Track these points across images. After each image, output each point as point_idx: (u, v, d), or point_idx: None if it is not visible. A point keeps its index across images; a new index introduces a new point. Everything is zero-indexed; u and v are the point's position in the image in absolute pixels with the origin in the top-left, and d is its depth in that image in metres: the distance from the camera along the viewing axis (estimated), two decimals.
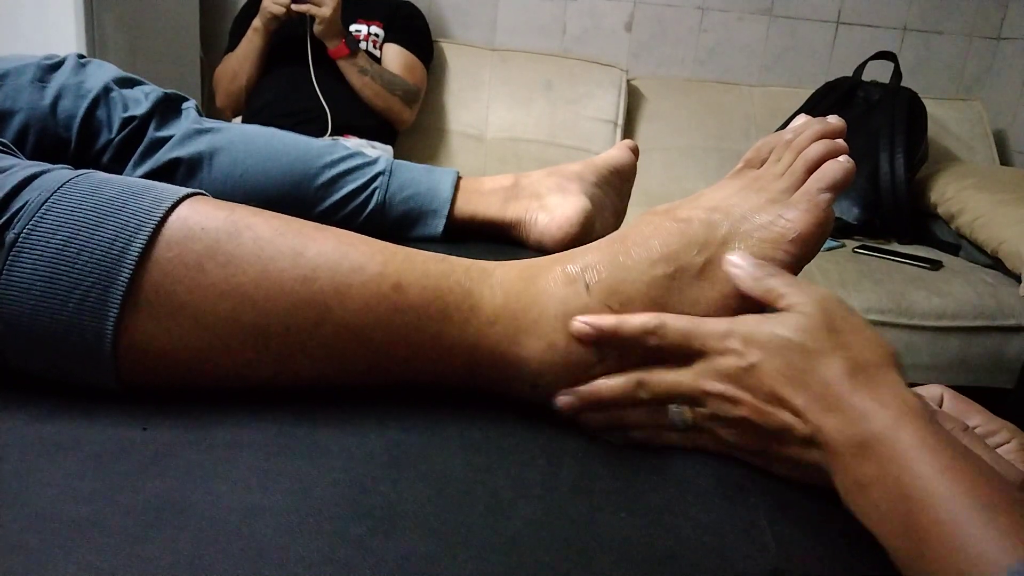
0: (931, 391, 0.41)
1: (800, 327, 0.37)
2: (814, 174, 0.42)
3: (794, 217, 0.41)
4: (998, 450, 0.40)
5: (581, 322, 0.40)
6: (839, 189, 0.41)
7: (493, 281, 0.43)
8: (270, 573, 0.30)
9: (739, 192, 0.44)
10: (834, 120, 0.45)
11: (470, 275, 0.43)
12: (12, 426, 0.38)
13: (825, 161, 0.42)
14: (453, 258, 0.45)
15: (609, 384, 0.41)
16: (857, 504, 0.34)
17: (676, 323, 0.40)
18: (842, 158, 0.42)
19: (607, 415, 0.42)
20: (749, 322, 0.38)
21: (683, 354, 0.40)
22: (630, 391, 0.41)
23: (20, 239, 0.37)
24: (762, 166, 0.46)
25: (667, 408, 0.40)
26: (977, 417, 0.41)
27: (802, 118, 0.47)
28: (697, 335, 0.39)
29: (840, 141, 0.43)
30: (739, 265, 0.40)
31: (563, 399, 0.42)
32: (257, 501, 0.34)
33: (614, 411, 0.41)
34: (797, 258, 0.41)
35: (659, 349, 0.40)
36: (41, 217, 0.38)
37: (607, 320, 0.40)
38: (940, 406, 0.43)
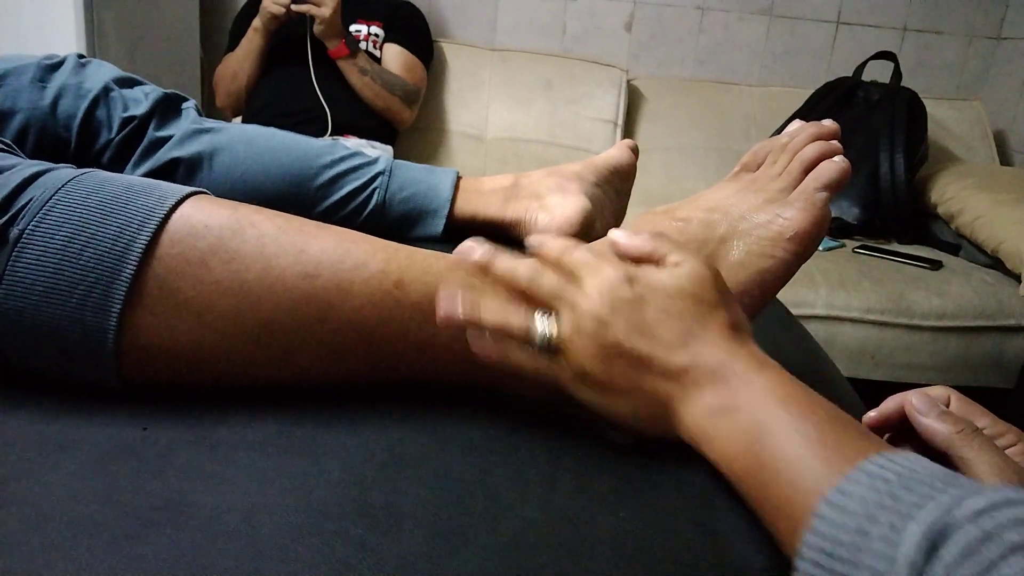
0: (937, 392, 0.41)
1: (692, 278, 0.38)
2: (810, 174, 0.43)
3: (792, 216, 0.41)
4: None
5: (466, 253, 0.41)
6: (835, 188, 0.42)
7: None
8: (270, 573, 0.30)
9: (737, 193, 0.44)
10: (828, 123, 0.46)
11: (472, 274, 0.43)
12: (12, 426, 0.38)
13: (821, 161, 0.43)
14: (454, 257, 0.45)
15: (509, 264, 0.40)
16: (706, 433, 0.35)
17: (572, 253, 0.39)
18: (837, 158, 0.43)
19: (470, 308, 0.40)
20: (648, 268, 0.39)
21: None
22: (528, 275, 0.40)
23: (24, 236, 0.37)
24: (758, 169, 0.46)
25: (533, 318, 0.39)
26: (983, 420, 0.41)
27: (797, 123, 0.48)
28: (591, 263, 0.39)
29: (835, 142, 0.44)
30: (621, 235, 0.40)
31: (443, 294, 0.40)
32: (257, 501, 0.34)
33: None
34: (796, 256, 0.41)
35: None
36: (45, 214, 0.38)
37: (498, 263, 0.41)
38: (947, 407, 0.43)
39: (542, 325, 0.38)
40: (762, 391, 0.34)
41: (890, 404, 0.41)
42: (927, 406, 0.39)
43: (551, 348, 0.38)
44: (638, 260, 0.39)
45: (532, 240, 0.42)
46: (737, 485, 0.34)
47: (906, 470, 0.28)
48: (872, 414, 0.41)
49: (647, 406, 0.38)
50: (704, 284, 0.38)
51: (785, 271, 0.42)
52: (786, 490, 0.31)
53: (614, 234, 0.40)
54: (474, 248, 0.41)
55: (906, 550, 0.25)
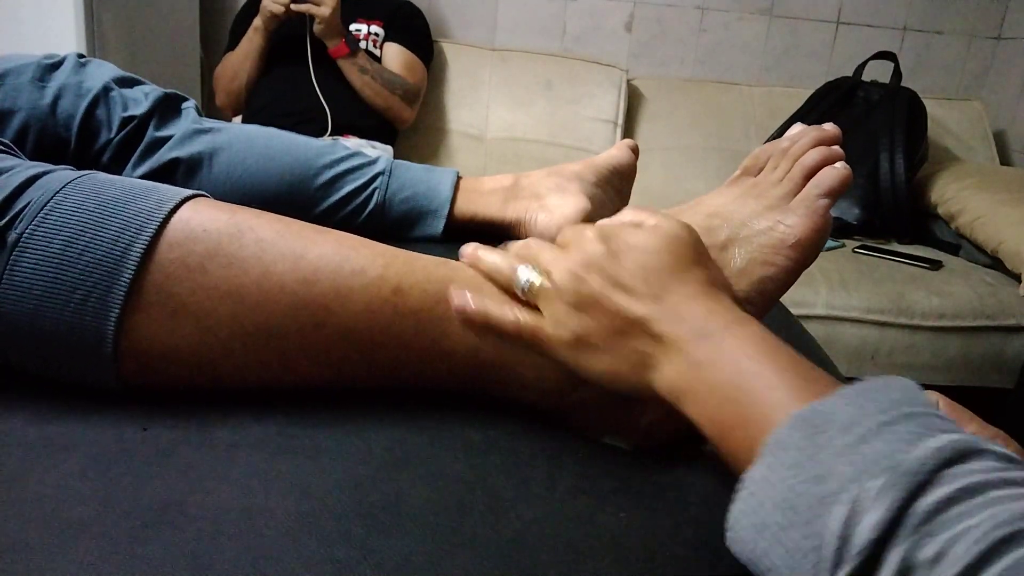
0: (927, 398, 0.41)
1: (670, 236, 0.38)
2: (812, 180, 0.42)
3: (793, 223, 0.41)
4: None
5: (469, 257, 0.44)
6: (836, 195, 0.42)
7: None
8: (270, 573, 0.30)
9: (738, 198, 0.44)
10: (830, 127, 0.45)
11: (471, 280, 0.43)
12: (12, 426, 0.38)
13: (822, 167, 0.43)
14: (454, 263, 0.45)
15: (489, 256, 0.43)
16: (686, 388, 0.35)
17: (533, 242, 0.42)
18: (839, 164, 0.43)
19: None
20: (627, 228, 0.40)
21: None
22: (518, 245, 0.42)
23: (22, 240, 0.37)
24: (759, 174, 0.46)
25: (517, 267, 0.41)
26: (972, 425, 0.41)
27: (798, 126, 0.47)
28: (574, 231, 0.41)
29: (836, 148, 0.44)
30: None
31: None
32: (257, 501, 0.34)
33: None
34: (797, 263, 0.41)
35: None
36: (43, 218, 0.38)
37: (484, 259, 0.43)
38: None
39: (525, 272, 0.40)
40: (742, 345, 0.34)
41: None
42: None
43: (532, 294, 0.40)
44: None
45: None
46: (718, 443, 0.34)
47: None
48: None
49: (626, 361, 0.37)
50: (681, 243, 0.38)
51: (786, 278, 0.42)
52: None
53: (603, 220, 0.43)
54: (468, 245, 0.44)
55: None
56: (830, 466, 0.27)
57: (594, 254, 0.38)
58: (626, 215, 0.42)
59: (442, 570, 0.31)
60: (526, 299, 0.40)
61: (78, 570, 0.29)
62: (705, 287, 0.37)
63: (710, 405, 0.34)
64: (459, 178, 0.77)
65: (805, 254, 0.41)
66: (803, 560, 0.26)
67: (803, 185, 0.43)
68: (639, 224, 0.40)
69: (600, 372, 0.38)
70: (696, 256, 0.38)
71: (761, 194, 0.43)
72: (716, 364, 0.34)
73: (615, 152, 0.79)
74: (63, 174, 0.40)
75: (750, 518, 0.29)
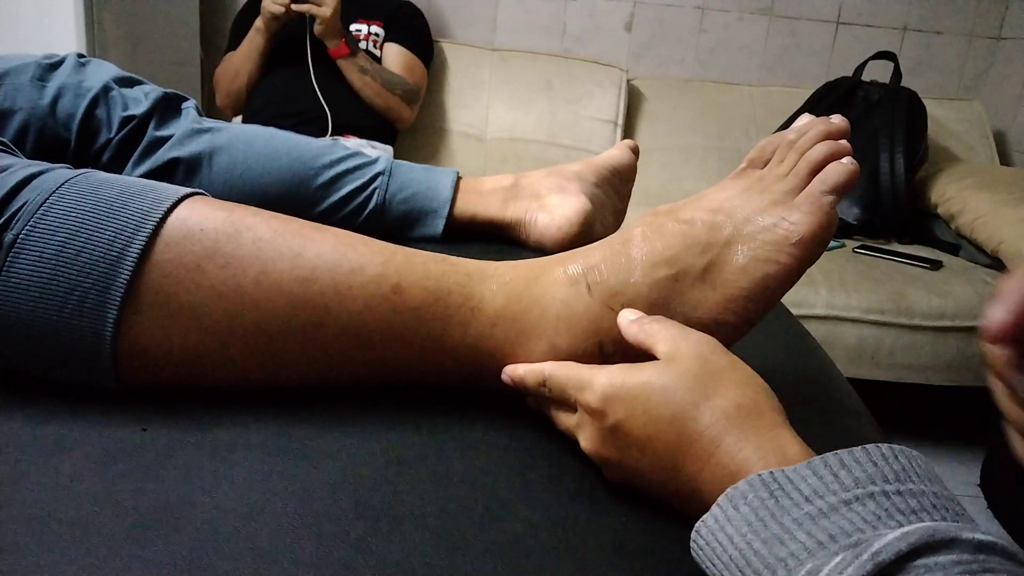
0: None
1: (671, 376, 0.35)
2: (817, 176, 0.41)
3: (798, 220, 0.40)
4: None
5: (507, 375, 0.43)
6: (843, 191, 0.40)
7: (494, 283, 0.43)
8: (270, 574, 0.30)
9: (742, 193, 0.43)
10: (838, 120, 0.44)
11: (471, 276, 0.43)
12: (11, 426, 0.38)
13: (829, 163, 0.41)
14: (453, 259, 0.45)
15: (522, 372, 0.42)
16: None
17: (557, 374, 0.40)
18: (845, 160, 0.41)
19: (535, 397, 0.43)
20: (616, 376, 0.37)
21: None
22: (537, 387, 0.41)
23: (19, 240, 0.37)
24: (765, 166, 0.45)
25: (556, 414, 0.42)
26: None
27: (805, 117, 0.46)
28: (570, 389, 0.39)
29: (844, 142, 0.42)
30: (627, 316, 0.41)
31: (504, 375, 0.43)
32: (257, 502, 0.34)
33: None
34: (800, 261, 0.40)
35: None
36: (40, 218, 0.38)
37: (517, 371, 0.42)
38: None
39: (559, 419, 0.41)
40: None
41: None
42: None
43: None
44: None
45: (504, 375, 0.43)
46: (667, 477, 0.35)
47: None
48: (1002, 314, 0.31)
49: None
50: (678, 380, 0.35)
51: (789, 276, 0.40)
52: None
53: (624, 315, 0.41)
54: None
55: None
56: (789, 530, 0.27)
57: (602, 431, 0.37)
58: (641, 319, 0.40)
59: (442, 571, 0.31)
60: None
61: (78, 570, 0.29)
62: (718, 425, 0.34)
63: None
64: (459, 178, 0.77)
65: (809, 252, 0.40)
66: None
67: (809, 180, 0.41)
68: (652, 347, 0.38)
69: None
70: (708, 388, 0.35)
71: (766, 189, 0.42)
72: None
73: (615, 152, 0.79)
74: (60, 173, 0.40)
75: (704, 567, 0.29)
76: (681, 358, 0.36)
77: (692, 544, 0.31)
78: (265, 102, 1.65)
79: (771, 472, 0.30)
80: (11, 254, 0.37)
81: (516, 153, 1.95)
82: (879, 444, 0.29)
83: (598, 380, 0.37)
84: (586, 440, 0.38)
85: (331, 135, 1.61)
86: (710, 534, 0.30)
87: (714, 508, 0.30)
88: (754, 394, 0.35)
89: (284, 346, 0.40)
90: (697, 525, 0.31)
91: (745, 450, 0.32)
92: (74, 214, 0.38)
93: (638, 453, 0.35)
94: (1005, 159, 2.07)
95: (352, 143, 1.62)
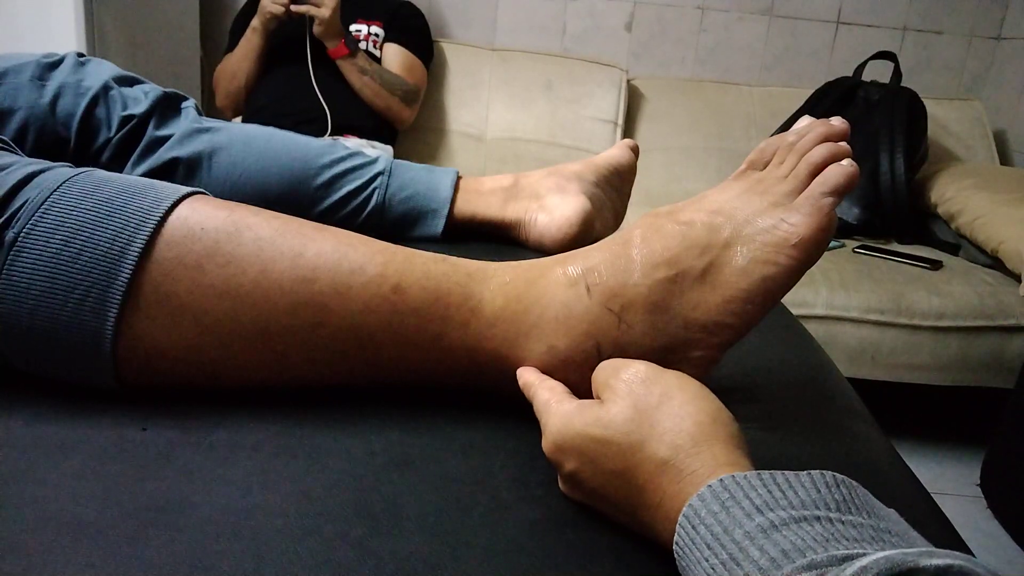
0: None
1: (609, 423, 0.35)
2: (817, 178, 0.41)
3: (797, 222, 0.40)
4: None
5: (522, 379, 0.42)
6: (842, 193, 0.40)
7: (493, 283, 0.43)
8: (270, 574, 0.30)
9: (742, 195, 0.43)
10: (837, 122, 0.44)
11: (471, 276, 0.43)
12: (12, 426, 0.38)
13: (828, 165, 0.42)
14: (453, 259, 0.45)
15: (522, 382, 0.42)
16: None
17: (535, 401, 0.40)
18: (845, 162, 0.41)
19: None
20: (565, 423, 0.36)
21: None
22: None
23: (20, 238, 0.37)
24: (765, 168, 0.45)
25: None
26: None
27: (805, 119, 0.46)
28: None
29: (843, 144, 0.43)
30: (524, 376, 0.41)
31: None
32: (257, 502, 0.34)
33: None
34: (800, 263, 0.40)
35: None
36: (41, 216, 0.38)
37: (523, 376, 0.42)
38: None
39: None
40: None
41: None
42: None
43: None
44: None
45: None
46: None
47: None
48: None
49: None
50: (616, 425, 0.35)
51: (789, 278, 0.40)
52: None
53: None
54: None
55: None
56: (744, 548, 0.27)
57: (566, 476, 0.37)
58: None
59: (442, 571, 0.31)
60: None
61: (78, 570, 0.29)
62: (660, 466, 0.33)
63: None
64: (459, 178, 0.77)
65: (808, 253, 0.40)
66: None
67: (808, 182, 0.42)
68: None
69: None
70: (647, 428, 0.34)
71: (766, 190, 0.42)
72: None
73: (615, 152, 0.79)
74: (61, 171, 0.40)
75: None
76: (616, 400, 0.36)
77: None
78: (265, 102, 1.65)
79: (720, 480, 0.30)
80: (12, 253, 0.37)
81: (516, 153, 1.95)
82: (823, 471, 0.30)
83: (549, 427, 0.37)
84: (560, 480, 0.38)
85: (331, 135, 1.61)
86: (680, 562, 0.30)
87: (677, 534, 0.30)
88: (693, 421, 0.34)
89: (284, 345, 0.40)
90: (674, 551, 0.31)
91: (697, 475, 0.32)
92: (75, 213, 0.38)
93: (598, 500, 0.36)
94: (1005, 159, 2.07)
95: (352, 143, 1.62)
